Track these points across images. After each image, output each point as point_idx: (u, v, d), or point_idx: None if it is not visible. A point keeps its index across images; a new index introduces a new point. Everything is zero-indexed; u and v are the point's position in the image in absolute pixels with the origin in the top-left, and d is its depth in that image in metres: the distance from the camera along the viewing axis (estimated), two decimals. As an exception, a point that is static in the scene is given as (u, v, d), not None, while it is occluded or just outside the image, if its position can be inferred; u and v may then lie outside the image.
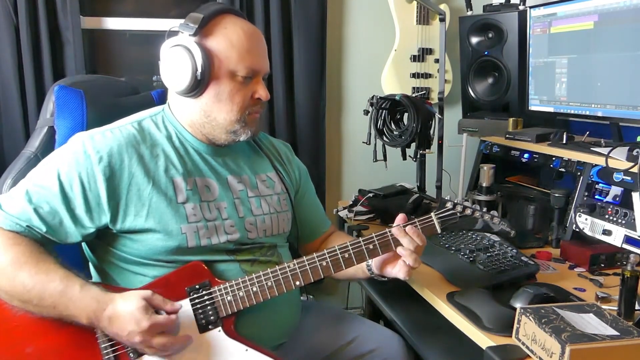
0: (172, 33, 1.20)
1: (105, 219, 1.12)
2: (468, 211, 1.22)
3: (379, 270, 1.26)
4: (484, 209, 1.24)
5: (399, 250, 1.18)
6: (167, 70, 1.18)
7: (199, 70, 1.14)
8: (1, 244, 1.07)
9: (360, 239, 1.19)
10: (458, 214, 1.22)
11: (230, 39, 1.17)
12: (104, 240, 1.18)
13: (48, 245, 1.12)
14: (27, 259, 1.06)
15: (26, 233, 1.09)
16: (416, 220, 1.21)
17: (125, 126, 1.19)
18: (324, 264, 1.16)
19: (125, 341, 1.06)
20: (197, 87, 1.16)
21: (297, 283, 1.16)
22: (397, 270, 1.21)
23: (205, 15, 1.15)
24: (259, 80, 1.22)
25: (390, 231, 1.19)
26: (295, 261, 1.17)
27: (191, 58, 1.14)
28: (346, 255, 1.17)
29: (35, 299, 1.05)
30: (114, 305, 1.05)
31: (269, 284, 1.15)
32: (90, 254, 1.24)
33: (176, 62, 1.15)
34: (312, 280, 1.17)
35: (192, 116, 1.22)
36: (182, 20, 1.17)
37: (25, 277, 1.04)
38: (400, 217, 1.23)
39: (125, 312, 1.04)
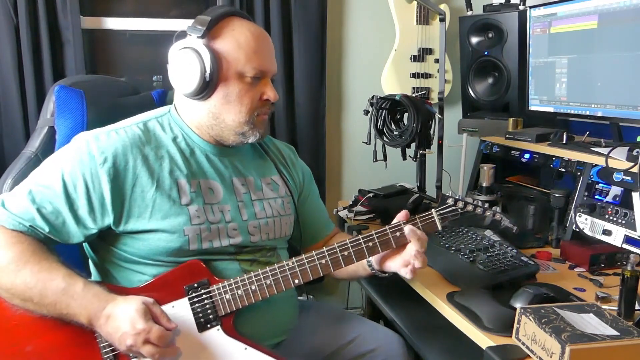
0: (180, 35, 1.20)
1: (109, 220, 1.12)
2: (469, 207, 1.22)
3: (379, 266, 1.25)
4: (486, 205, 1.24)
5: (409, 249, 1.17)
6: (176, 73, 1.18)
7: (208, 72, 1.14)
8: (4, 243, 1.07)
9: (360, 236, 1.18)
10: (459, 210, 1.21)
11: (238, 40, 1.17)
12: (105, 240, 1.18)
13: (50, 244, 1.12)
14: (29, 257, 1.06)
15: (29, 232, 1.09)
16: (417, 217, 1.21)
17: (130, 127, 1.19)
18: (323, 262, 1.16)
19: (117, 342, 1.04)
20: (206, 89, 1.16)
21: (297, 281, 1.16)
22: (398, 266, 1.20)
23: (212, 17, 1.16)
24: (267, 82, 1.23)
25: (389, 229, 1.18)
26: (294, 259, 1.17)
27: (200, 60, 1.14)
28: (346, 253, 1.17)
29: (36, 297, 1.05)
30: (114, 305, 1.05)
31: (268, 282, 1.15)
32: (91, 252, 1.24)
33: (185, 65, 1.15)
34: (312, 279, 1.17)
35: (201, 118, 1.22)
36: (184, 21, 1.18)
37: (27, 275, 1.04)
38: (402, 214, 1.22)
39: (123, 312, 1.04)
